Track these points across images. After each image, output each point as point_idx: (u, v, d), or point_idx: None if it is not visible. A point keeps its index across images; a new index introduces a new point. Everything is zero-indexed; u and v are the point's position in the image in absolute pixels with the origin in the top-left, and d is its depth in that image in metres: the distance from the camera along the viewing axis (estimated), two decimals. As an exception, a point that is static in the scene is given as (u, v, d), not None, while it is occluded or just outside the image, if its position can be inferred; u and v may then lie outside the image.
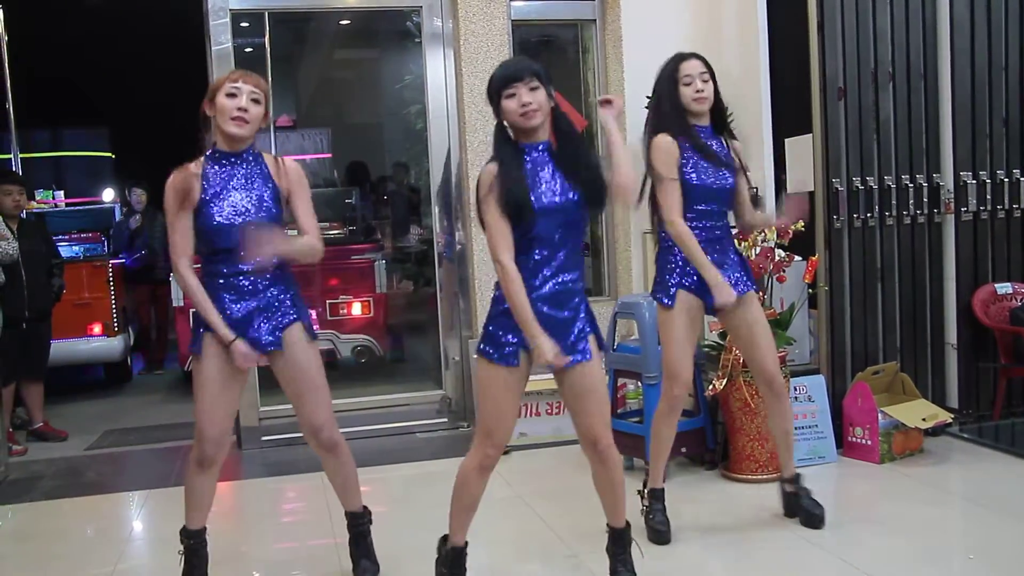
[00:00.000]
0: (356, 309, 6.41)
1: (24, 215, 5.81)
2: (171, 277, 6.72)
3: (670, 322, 3.44)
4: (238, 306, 2.97)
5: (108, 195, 12.42)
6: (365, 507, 3.28)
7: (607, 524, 2.98)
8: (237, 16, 5.24)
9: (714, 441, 4.36)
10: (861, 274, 4.62)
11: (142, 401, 7.18)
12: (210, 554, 3.14)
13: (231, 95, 2.93)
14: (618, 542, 2.98)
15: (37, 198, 10.53)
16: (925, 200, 4.68)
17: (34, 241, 5.65)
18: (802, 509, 3.56)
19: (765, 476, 4.09)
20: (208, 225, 2.93)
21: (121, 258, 8.07)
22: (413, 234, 7.11)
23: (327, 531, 3.72)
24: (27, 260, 5.43)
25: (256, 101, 2.96)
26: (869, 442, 4.30)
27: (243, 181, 2.99)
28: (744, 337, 3.52)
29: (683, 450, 4.23)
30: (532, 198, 2.69)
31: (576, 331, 2.78)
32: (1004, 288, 4.76)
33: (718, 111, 3.47)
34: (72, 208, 11.12)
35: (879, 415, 4.25)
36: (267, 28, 5.51)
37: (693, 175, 3.37)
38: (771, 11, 4.96)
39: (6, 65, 7.69)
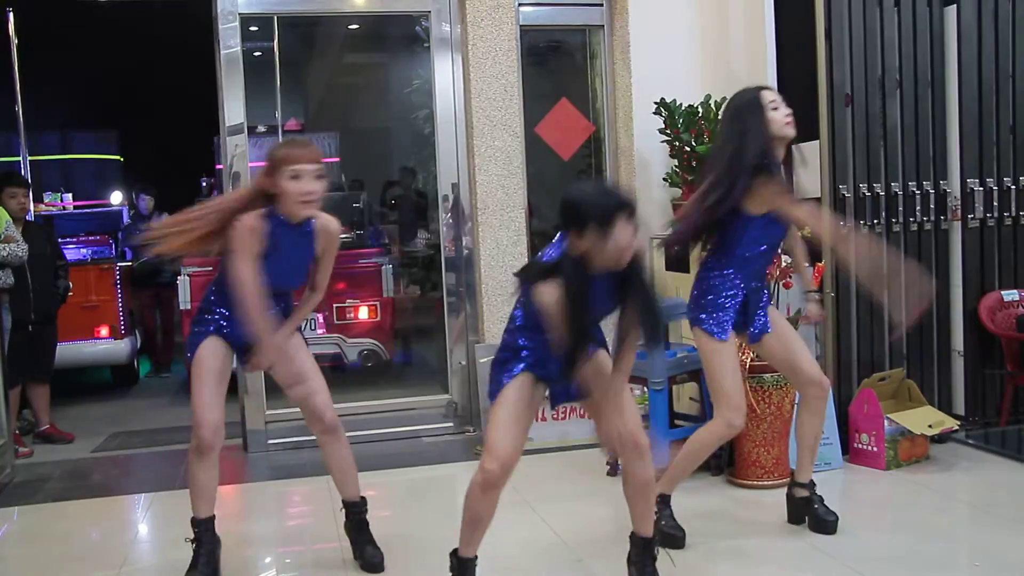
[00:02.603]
0: (363, 313, 6.41)
1: (31, 217, 5.82)
2: (177, 280, 6.72)
3: (724, 353, 3.32)
4: (242, 325, 3.11)
5: (116, 198, 12.46)
6: (362, 496, 3.43)
7: (633, 533, 2.93)
8: (246, 20, 5.25)
9: (720, 447, 4.35)
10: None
11: (148, 404, 7.18)
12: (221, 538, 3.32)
13: (295, 177, 2.98)
14: (645, 552, 2.91)
15: (45, 200, 10.59)
16: (932, 207, 4.68)
17: (38, 243, 5.64)
18: (814, 514, 3.55)
19: (771, 482, 4.09)
20: None
21: (128, 261, 8.09)
22: (420, 239, 7.12)
23: (332, 534, 3.72)
24: (32, 262, 5.43)
25: (319, 177, 3.02)
26: (875, 448, 4.29)
27: (292, 246, 3.11)
28: (780, 354, 3.46)
29: (689, 456, 4.22)
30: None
31: None
32: (1011, 295, 4.76)
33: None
34: (80, 211, 11.16)
35: (885, 421, 4.24)
36: (276, 32, 5.54)
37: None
38: (779, 18, 4.97)
39: (16, 68, 7.75)
